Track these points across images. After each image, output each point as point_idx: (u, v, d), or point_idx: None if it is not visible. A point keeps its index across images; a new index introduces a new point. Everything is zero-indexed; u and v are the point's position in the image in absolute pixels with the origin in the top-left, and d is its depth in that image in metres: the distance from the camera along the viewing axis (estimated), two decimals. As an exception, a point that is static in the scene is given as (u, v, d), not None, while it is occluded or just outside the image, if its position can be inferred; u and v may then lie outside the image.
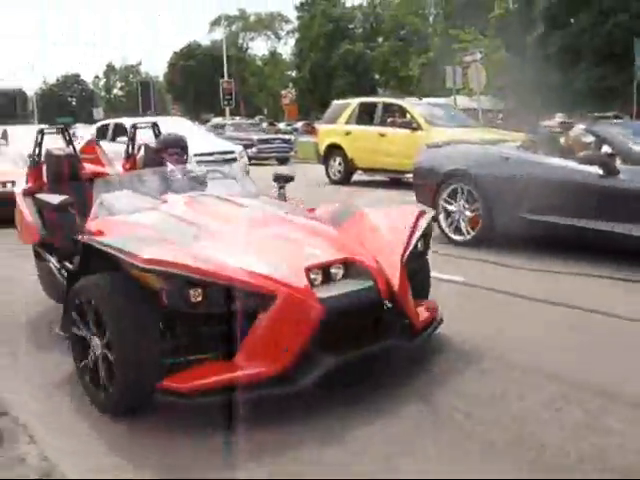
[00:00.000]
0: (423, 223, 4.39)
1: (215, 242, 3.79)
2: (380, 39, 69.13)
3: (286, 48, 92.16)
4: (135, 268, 3.36)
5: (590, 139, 7.44)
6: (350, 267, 3.77)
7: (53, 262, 4.93)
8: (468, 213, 7.90)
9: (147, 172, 5.17)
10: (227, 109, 33.46)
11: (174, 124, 12.80)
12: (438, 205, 8.07)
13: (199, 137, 13.91)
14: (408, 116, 14.57)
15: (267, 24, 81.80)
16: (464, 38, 40.86)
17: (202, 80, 70.26)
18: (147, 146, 5.95)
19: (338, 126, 15.97)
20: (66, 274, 4.56)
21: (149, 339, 3.43)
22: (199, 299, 3.31)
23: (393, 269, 3.87)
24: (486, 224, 7.66)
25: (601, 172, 6.69)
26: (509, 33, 41.85)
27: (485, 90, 27.55)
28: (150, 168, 5.31)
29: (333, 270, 3.72)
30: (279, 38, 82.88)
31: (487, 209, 7.65)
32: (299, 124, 51.11)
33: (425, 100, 16.94)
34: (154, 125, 6.44)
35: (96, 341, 3.61)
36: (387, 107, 15.66)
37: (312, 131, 39.43)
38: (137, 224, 4.14)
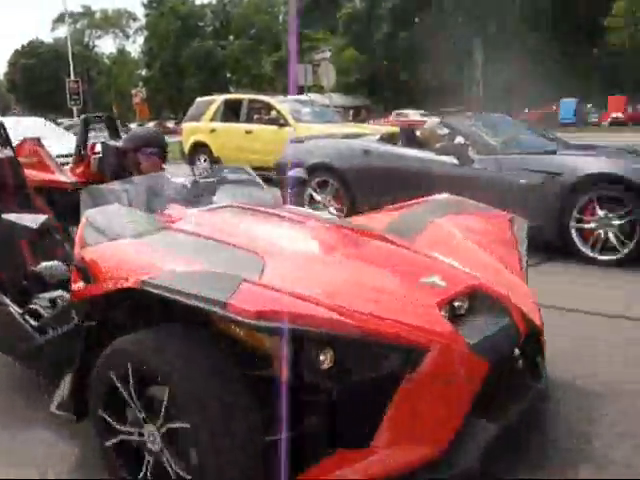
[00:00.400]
0: (522, 232, 3.59)
1: (295, 275, 2.67)
2: (231, 37, 69.03)
3: (135, 46, 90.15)
4: (238, 324, 2.35)
5: (445, 131, 7.80)
6: (475, 297, 2.83)
7: (12, 306, 3.57)
8: (334, 204, 8.11)
9: (139, 180, 3.79)
10: (75, 109, 32.11)
11: (29, 123, 12.15)
12: (303, 198, 8.23)
13: (59, 137, 12.95)
14: (274, 113, 14.65)
15: (114, 22, 79.74)
16: (314, 36, 41.53)
17: (47, 79, 67.55)
18: (107, 145, 4.79)
19: (203, 124, 15.74)
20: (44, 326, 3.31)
21: (253, 429, 2.33)
22: (330, 364, 2.34)
23: (523, 296, 3.00)
24: (350, 215, 7.86)
25: (456, 162, 7.03)
26: (358, 32, 42.95)
27: (336, 88, 28.11)
28: (148, 175, 3.96)
29: (457, 303, 2.77)
30: (127, 36, 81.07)
31: (350, 200, 7.87)
32: (151, 124, 50.18)
33: (290, 97, 17.07)
34: (109, 119, 5.38)
35: (151, 430, 2.50)
36: (253, 104, 15.62)
37: (165, 130, 38.80)
38: (161, 251, 2.88)
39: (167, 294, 2.36)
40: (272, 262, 2.70)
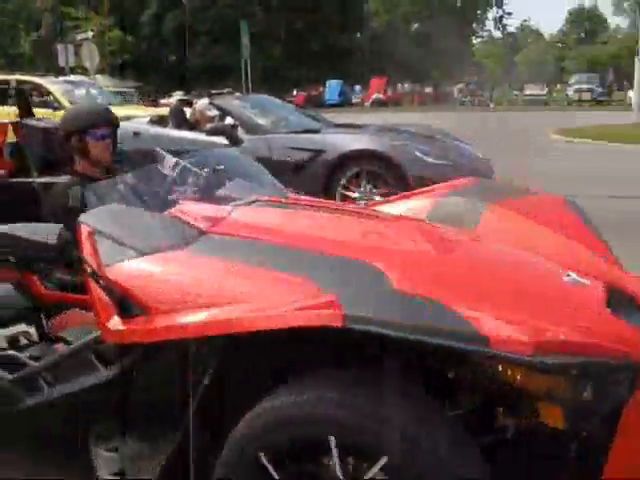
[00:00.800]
0: (582, 216, 3.07)
1: (441, 286, 2.00)
2: (-18, 14, 64.20)
3: None
4: (507, 362, 1.74)
5: (214, 112, 7.93)
6: (611, 295, 2.31)
7: None
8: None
9: (143, 172, 2.84)
10: None
11: None
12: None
13: None
14: (48, 95, 13.92)
15: None
16: (76, 15, 39.93)
17: None
18: (28, 127, 3.78)
19: (-39, 109, 14.59)
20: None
21: None
22: (589, 399, 1.78)
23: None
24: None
25: (227, 142, 7.18)
26: (123, 11, 41.78)
27: (103, 69, 27.25)
28: (151, 165, 2.91)
29: None
30: None
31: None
32: None
33: (62, 78, 16.30)
34: (20, 92, 4.37)
35: None
36: (21, 85, 14.65)
37: None
38: (240, 266, 2.08)
39: (397, 333, 1.64)
40: (395, 273, 2.00)
